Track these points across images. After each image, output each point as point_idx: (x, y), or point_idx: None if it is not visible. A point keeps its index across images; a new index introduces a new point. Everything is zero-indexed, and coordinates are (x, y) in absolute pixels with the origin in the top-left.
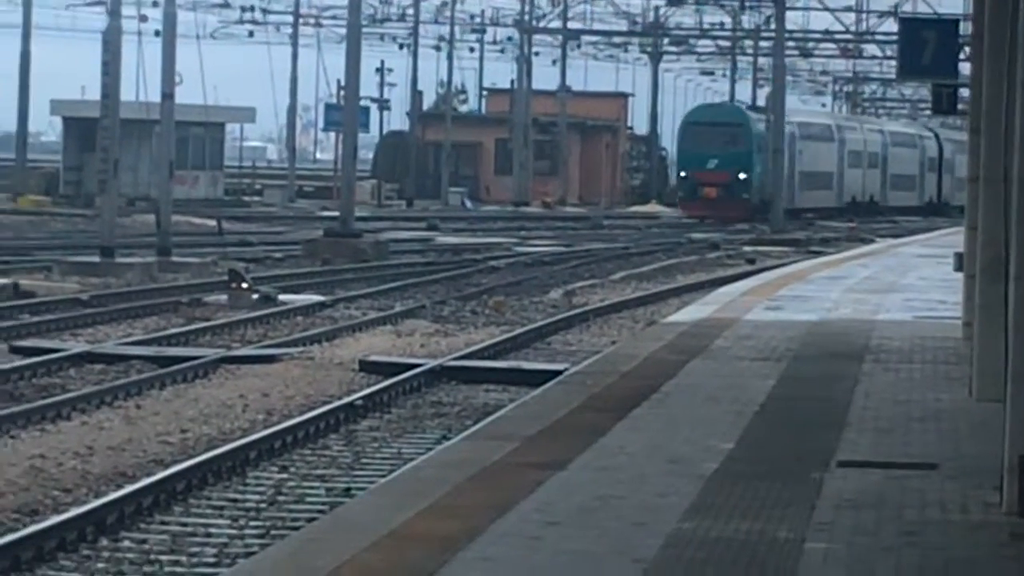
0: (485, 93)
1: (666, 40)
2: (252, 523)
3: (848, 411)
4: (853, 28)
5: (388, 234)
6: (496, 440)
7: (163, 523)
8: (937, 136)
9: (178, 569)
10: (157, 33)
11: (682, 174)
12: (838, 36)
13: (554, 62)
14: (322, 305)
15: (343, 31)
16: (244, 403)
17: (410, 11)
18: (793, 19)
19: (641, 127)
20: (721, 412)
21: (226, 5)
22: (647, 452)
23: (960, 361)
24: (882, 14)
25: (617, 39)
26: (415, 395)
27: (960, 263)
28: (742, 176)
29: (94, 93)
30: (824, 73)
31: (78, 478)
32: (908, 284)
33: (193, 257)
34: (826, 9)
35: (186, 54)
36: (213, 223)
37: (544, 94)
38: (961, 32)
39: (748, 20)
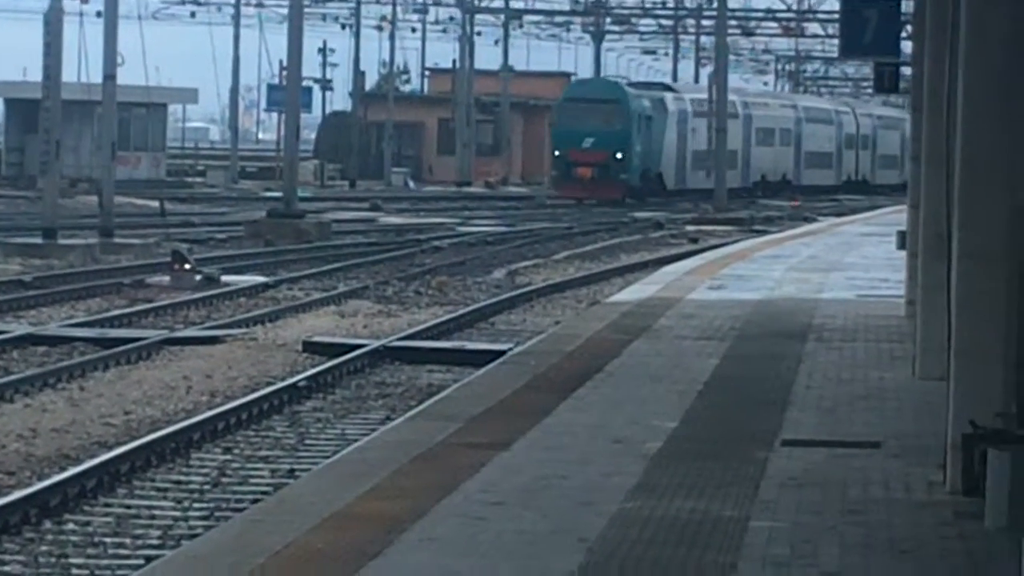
0: (428, 73)
1: (608, 19)
2: (196, 505)
3: (791, 390)
4: (795, 7)
5: (331, 215)
6: (440, 420)
7: (107, 505)
8: (854, 111)
9: (122, 551)
10: (99, 14)
11: (556, 153)
12: (780, 15)
13: (496, 42)
14: (265, 286)
15: (285, 11)
16: (188, 385)
17: None
18: None
19: None
20: (665, 391)
21: None
22: (591, 432)
23: (903, 339)
24: None
25: (559, 18)
26: (359, 376)
27: (903, 241)
28: (619, 156)
29: (36, 74)
30: (767, 52)
31: (21, 460)
32: (851, 263)
33: (136, 238)
34: None
35: (128, 35)
36: (156, 204)
37: (487, 74)
38: (903, 10)
39: None
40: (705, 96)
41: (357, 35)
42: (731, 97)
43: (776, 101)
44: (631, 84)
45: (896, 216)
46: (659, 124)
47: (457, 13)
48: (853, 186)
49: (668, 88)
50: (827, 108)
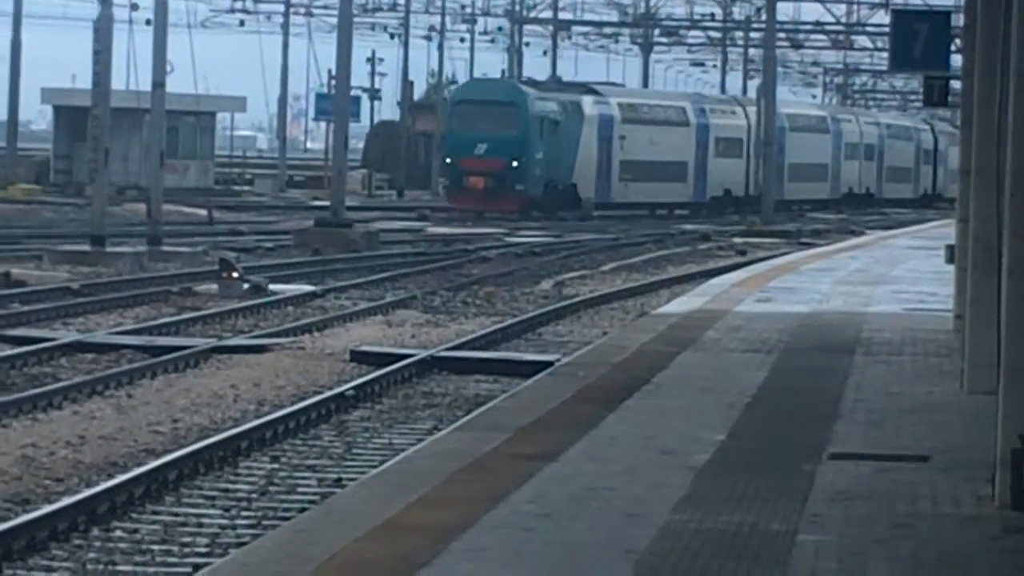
0: None
1: (657, 31)
2: (244, 513)
3: (840, 403)
4: (844, 19)
5: (379, 224)
6: (487, 431)
7: (155, 513)
8: (933, 129)
9: (170, 559)
10: (148, 22)
11: (447, 161)
12: (829, 27)
13: (545, 52)
14: (313, 295)
15: (334, 20)
16: (235, 393)
17: (401, 1)
18: (784, 10)
19: None
20: (712, 404)
21: None
22: (639, 443)
23: (951, 354)
24: (873, 5)
25: (608, 29)
26: (406, 385)
27: (951, 255)
28: (515, 164)
29: (85, 81)
30: (815, 64)
31: (70, 467)
32: (898, 276)
33: (184, 246)
34: (817, 0)
35: (177, 43)
36: (204, 212)
37: None
38: (953, 24)
39: (739, 11)
40: (644, 100)
41: (406, 45)
42: (819, 112)
43: (862, 117)
44: (539, 84)
45: (943, 230)
46: (571, 130)
47: (506, 23)
48: (928, 199)
49: (590, 90)
50: (907, 125)
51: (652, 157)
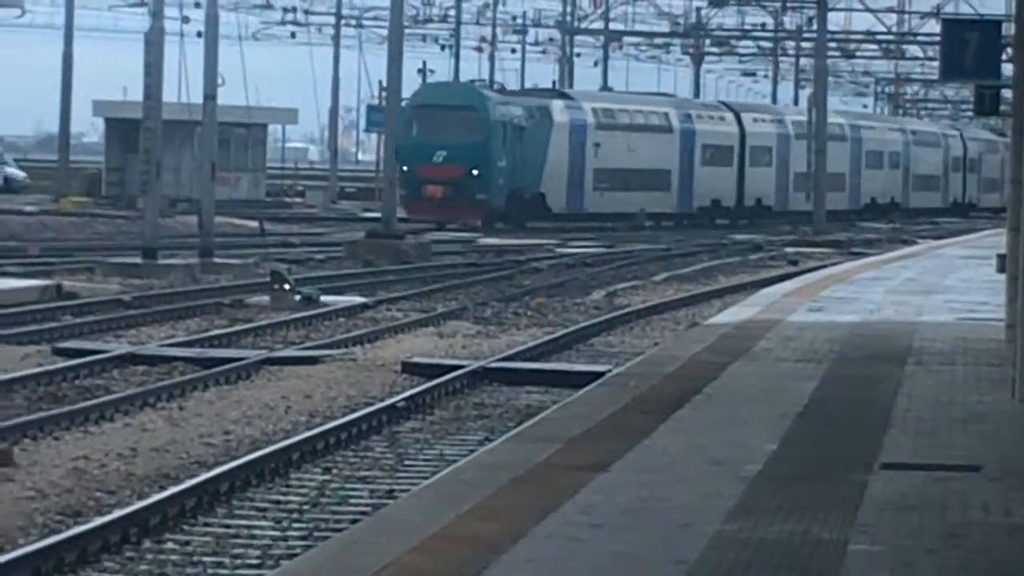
0: None
1: (708, 41)
2: (295, 525)
3: (891, 413)
4: (895, 29)
5: (430, 235)
6: (539, 442)
7: (206, 525)
8: (962, 135)
9: (221, 571)
10: (199, 34)
11: (404, 169)
12: (880, 37)
13: (596, 63)
14: (364, 306)
15: (385, 32)
16: (287, 404)
17: (452, 12)
18: (835, 20)
19: None
20: (764, 414)
21: (268, 6)
22: (690, 453)
23: (1003, 363)
24: (924, 15)
25: (659, 40)
26: (457, 396)
27: (1003, 265)
28: (476, 172)
29: (136, 94)
30: (866, 74)
31: (121, 479)
32: (950, 285)
33: (235, 258)
34: (868, 10)
35: (228, 55)
36: (255, 224)
37: None
38: (1004, 33)
39: (790, 21)
40: (622, 106)
41: (456, 56)
42: (837, 120)
43: (884, 124)
44: (504, 89)
45: (995, 239)
46: (538, 136)
47: (556, 34)
48: (959, 209)
49: (561, 95)
50: (935, 131)
51: (631, 165)
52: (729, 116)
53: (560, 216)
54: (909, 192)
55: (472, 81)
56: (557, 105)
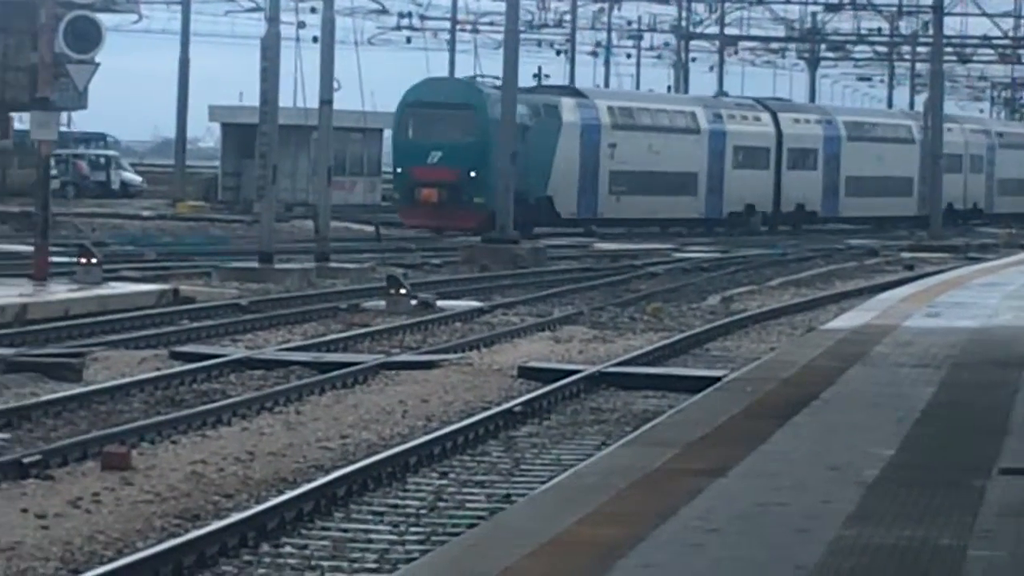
0: None
1: (823, 46)
2: (413, 529)
3: (1009, 418)
4: (1012, 33)
5: (545, 240)
6: (656, 446)
7: (324, 528)
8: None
9: (339, 574)
10: (315, 39)
11: (398, 171)
12: (996, 41)
13: (711, 68)
14: (480, 311)
15: (500, 37)
16: (403, 409)
17: (567, 17)
18: (951, 24)
19: None
20: (881, 419)
21: (384, 11)
22: (808, 459)
23: None
24: None
25: (774, 45)
26: (574, 401)
27: None
28: (472, 174)
29: (252, 99)
30: (982, 79)
31: (239, 483)
32: None
33: (351, 263)
34: (984, 14)
35: (344, 60)
36: (371, 229)
37: None
38: None
39: (906, 26)
40: (642, 104)
41: (572, 61)
42: (905, 121)
43: (965, 126)
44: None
45: None
46: (544, 136)
47: (672, 39)
48: None
49: (573, 92)
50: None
51: (651, 167)
52: (765, 116)
53: (571, 222)
54: (993, 197)
55: (472, 77)
56: (567, 103)
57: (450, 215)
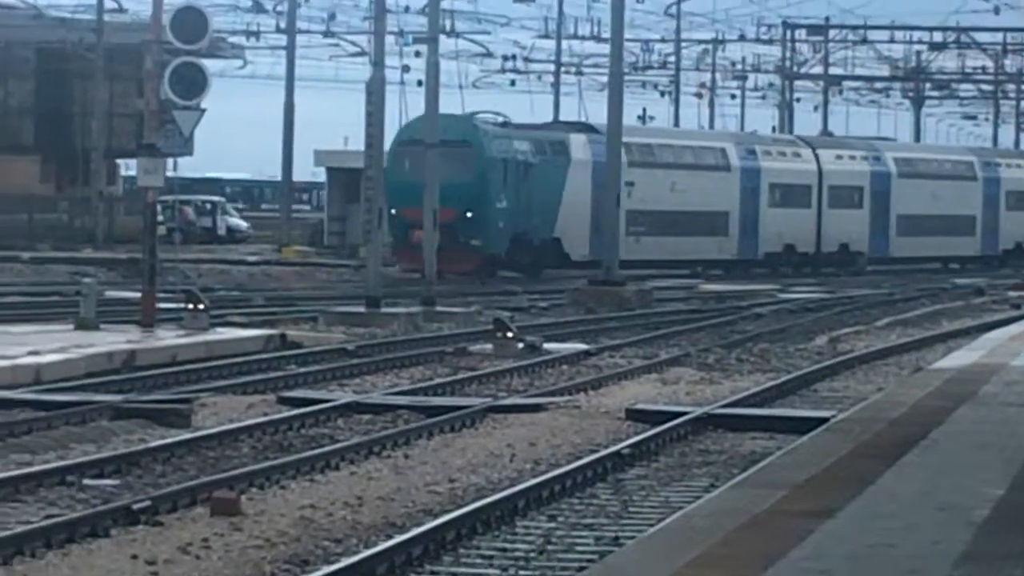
0: None
1: (928, 85)
2: (522, 572)
3: None
4: None
5: (652, 282)
6: (765, 488)
7: (433, 573)
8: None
9: None
10: (419, 83)
11: (392, 212)
12: None
13: (816, 108)
14: (587, 354)
15: (604, 79)
16: (511, 452)
17: (671, 58)
18: None
19: None
20: (991, 459)
21: (488, 54)
22: (917, 499)
23: None
24: None
25: (879, 84)
26: (682, 443)
27: None
28: (469, 214)
29: (357, 143)
30: None
31: (348, 528)
32: None
33: (457, 307)
34: None
35: (449, 103)
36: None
37: None
38: None
39: (1011, 64)
40: (664, 141)
41: (676, 102)
42: (968, 157)
43: None
44: (508, 123)
45: None
46: (551, 174)
47: (776, 79)
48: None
49: (584, 128)
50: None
51: (675, 207)
52: (806, 152)
53: (581, 264)
54: None
55: (472, 113)
56: (577, 140)
57: (445, 257)
